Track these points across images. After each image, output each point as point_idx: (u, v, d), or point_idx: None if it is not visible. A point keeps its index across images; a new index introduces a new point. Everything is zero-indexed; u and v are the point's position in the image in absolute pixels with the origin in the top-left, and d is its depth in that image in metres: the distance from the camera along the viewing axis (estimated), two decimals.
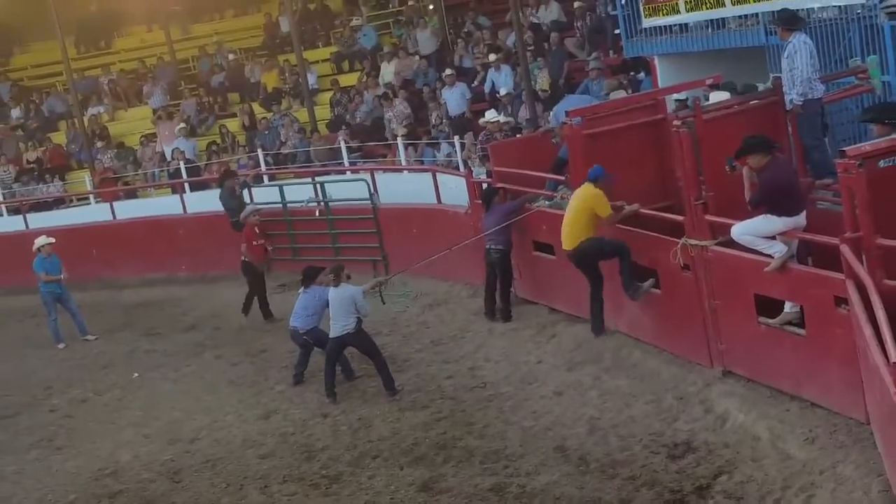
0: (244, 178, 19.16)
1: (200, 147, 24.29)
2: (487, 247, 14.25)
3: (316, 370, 13.50)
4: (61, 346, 17.29)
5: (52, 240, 17.53)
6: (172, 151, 23.65)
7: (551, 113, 15.69)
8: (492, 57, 20.91)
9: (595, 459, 10.27)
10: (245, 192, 18.61)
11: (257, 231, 17.04)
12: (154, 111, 26.31)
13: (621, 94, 16.44)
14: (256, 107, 25.01)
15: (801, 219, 10.23)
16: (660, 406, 11.02)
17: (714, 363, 11.20)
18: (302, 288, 13.72)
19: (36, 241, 17.56)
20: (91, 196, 23.77)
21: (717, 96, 12.59)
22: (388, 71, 23.49)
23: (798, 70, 11.63)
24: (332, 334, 12.91)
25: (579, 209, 12.32)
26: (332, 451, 11.57)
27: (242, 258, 16.80)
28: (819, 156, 11.84)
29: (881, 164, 8.91)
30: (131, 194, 23.57)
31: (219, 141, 24.05)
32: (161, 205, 21.70)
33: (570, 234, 12.43)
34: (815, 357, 9.73)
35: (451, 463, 10.77)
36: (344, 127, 22.12)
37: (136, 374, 15.21)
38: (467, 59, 22.56)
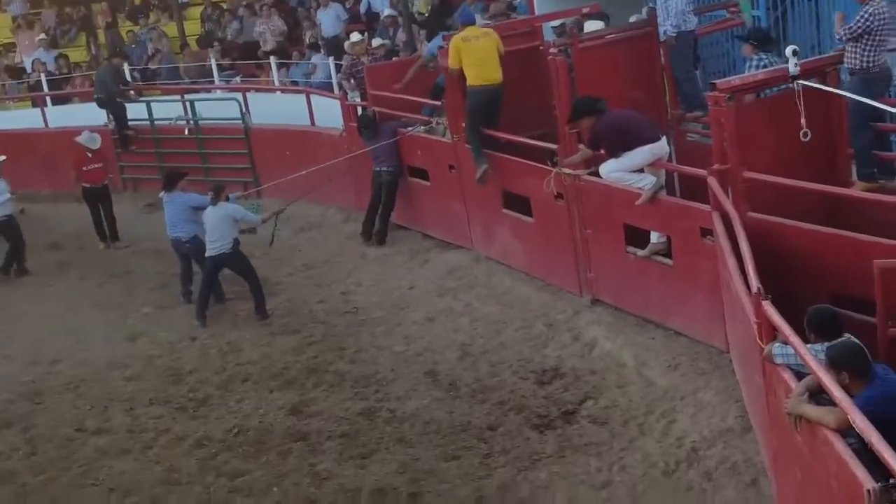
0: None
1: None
2: (378, 169, 14.10)
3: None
4: None
5: None
6: (33, 63, 22.67)
7: (425, 49, 15.52)
8: None
9: (465, 384, 10.38)
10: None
11: (89, 155, 16.12)
12: (13, 19, 25.16)
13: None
14: (123, 19, 24.15)
15: (662, 144, 10.41)
16: (529, 333, 11.17)
17: (583, 292, 11.38)
18: (163, 192, 13.38)
19: None
20: None
21: (592, 25, 12.65)
22: None
23: (672, 2, 11.77)
24: (208, 253, 12.65)
25: (492, 47, 12.25)
26: (200, 375, 11.42)
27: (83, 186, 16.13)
28: (690, 88, 12.04)
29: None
30: None
31: (70, 56, 23.00)
32: (20, 118, 20.78)
33: (497, 68, 12.25)
34: (681, 287, 9.96)
35: (322, 387, 10.75)
36: (215, 43, 21.55)
37: None
38: None
